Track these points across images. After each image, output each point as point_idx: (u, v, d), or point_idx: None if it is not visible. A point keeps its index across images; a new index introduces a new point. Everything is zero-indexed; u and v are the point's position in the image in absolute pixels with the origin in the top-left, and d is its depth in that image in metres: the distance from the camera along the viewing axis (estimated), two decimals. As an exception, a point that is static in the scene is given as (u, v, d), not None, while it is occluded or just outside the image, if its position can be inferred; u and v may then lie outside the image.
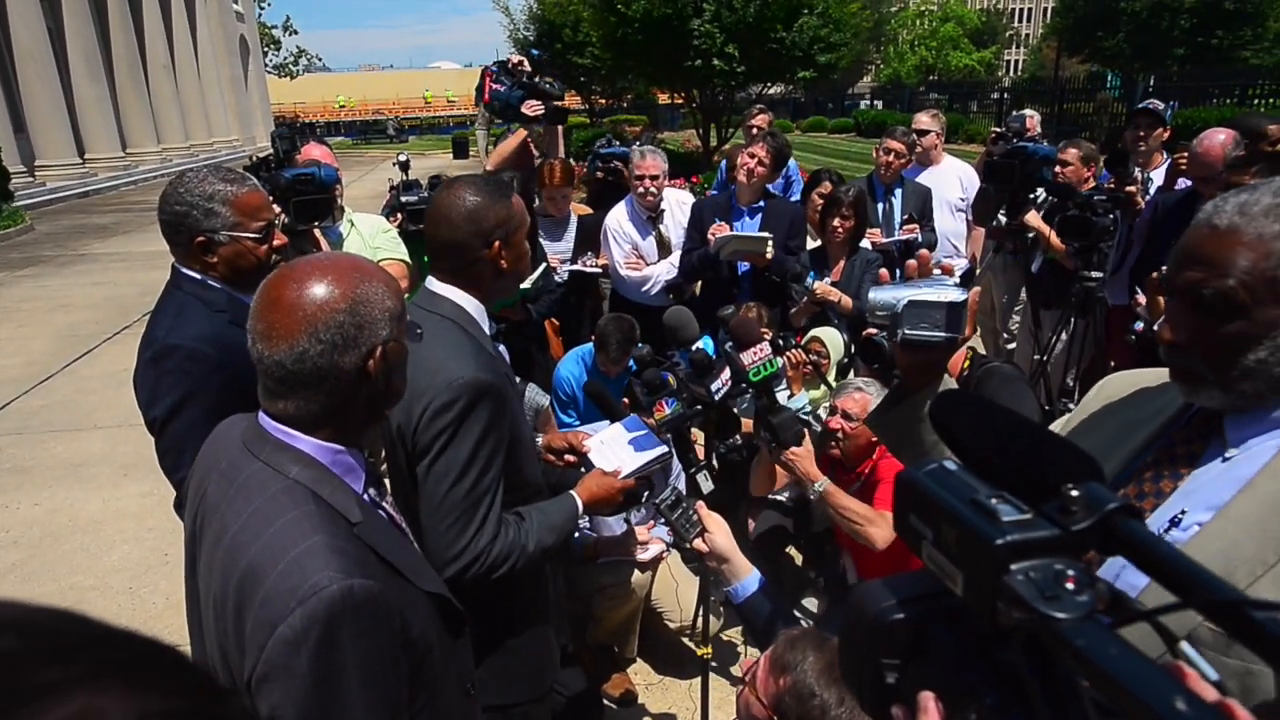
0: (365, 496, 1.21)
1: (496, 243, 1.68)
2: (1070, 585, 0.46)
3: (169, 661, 0.39)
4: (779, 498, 3.40)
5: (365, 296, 1.14)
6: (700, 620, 2.32)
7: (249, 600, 1.03)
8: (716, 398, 1.81)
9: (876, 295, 1.24)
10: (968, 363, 2.63)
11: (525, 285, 3.30)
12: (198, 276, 1.94)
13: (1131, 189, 3.70)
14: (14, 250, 12.85)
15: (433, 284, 1.74)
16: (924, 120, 4.93)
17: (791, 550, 3.55)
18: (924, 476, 0.55)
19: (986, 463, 0.56)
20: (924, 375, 1.28)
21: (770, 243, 3.68)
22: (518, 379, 3.26)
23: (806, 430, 2.18)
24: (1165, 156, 4.40)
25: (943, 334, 1.20)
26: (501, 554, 1.61)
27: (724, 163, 6.07)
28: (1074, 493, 0.49)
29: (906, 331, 1.21)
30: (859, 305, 3.40)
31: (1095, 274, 3.44)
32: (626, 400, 2.06)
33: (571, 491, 1.82)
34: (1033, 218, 3.83)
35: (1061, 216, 3.40)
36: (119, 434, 5.39)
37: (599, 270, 4.18)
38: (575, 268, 4.16)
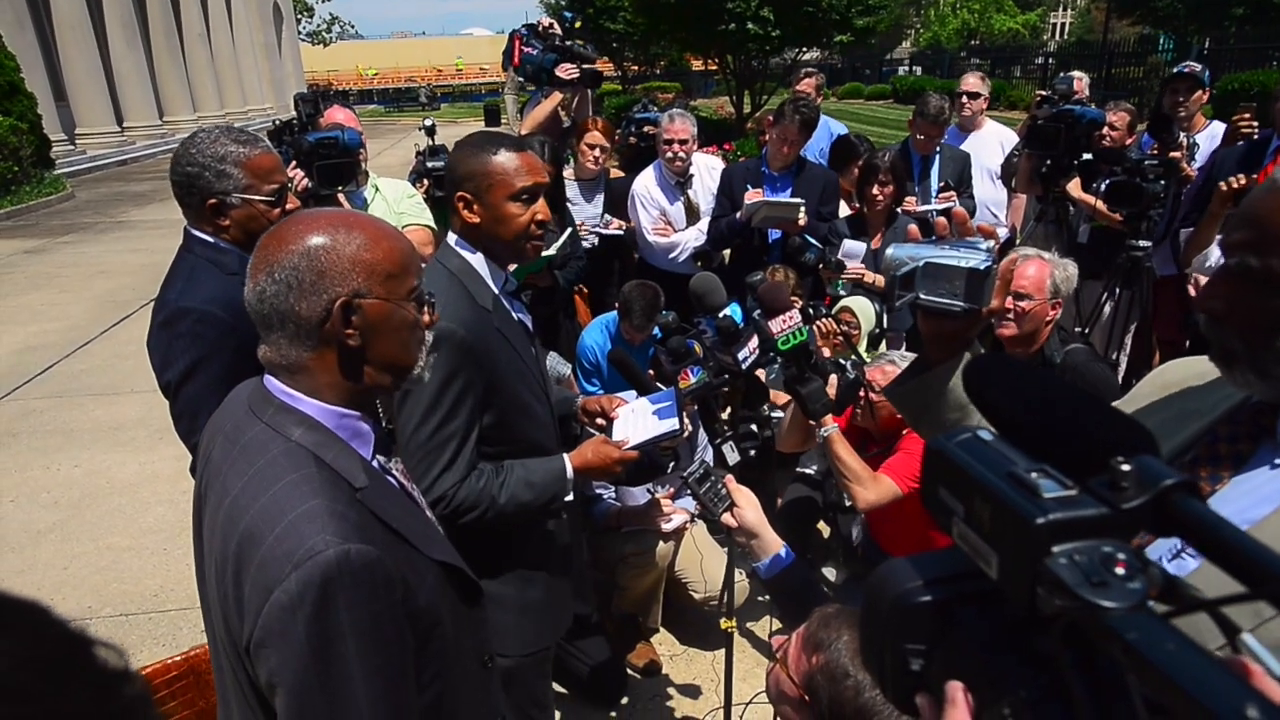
0: (374, 463, 1.17)
1: (463, 194, 1.71)
2: (1120, 570, 0.40)
3: (28, 614, 0.41)
4: (808, 470, 3.34)
5: (332, 245, 1.08)
6: (725, 593, 2.28)
7: (247, 564, 1.01)
8: (744, 366, 1.75)
9: (895, 251, 1.17)
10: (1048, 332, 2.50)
11: (550, 251, 3.25)
12: (210, 239, 1.92)
13: (1177, 154, 3.53)
14: (55, 217, 13.10)
15: (450, 238, 1.77)
16: (973, 83, 4.74)
17: (821, 526, 3.50)
18: (955, 447, 0.49)
19: (1026, 432, 0.50)
20: (945, 347, 1.19)
21: (802, 209, 3.58)
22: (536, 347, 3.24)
23: (835, 375, 2.11)
24: (1207, 121, 4.21)
25: (960, 303, 1.11)
26: (468, 499, 1.64)
27: None
28: (1125, 467, 0.43)
29: (922, 296, 1.13)
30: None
31: (1143, 243, 3.30)
32: (652, 371, 2.01)
33: (564, 454, 1.80)
34: (1074, 187, 3.67)
35: (1110, 183, 3.25)
36: (155, 398, 5.40)
37: (619, 232, 4.11)
38: (594, 229, 4.10)
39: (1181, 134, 3.63)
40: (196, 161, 1.86)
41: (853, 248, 3.65)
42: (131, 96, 21.73)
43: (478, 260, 1.74)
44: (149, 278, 8.55)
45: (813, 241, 3.60)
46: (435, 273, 1.69)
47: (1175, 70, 4.25)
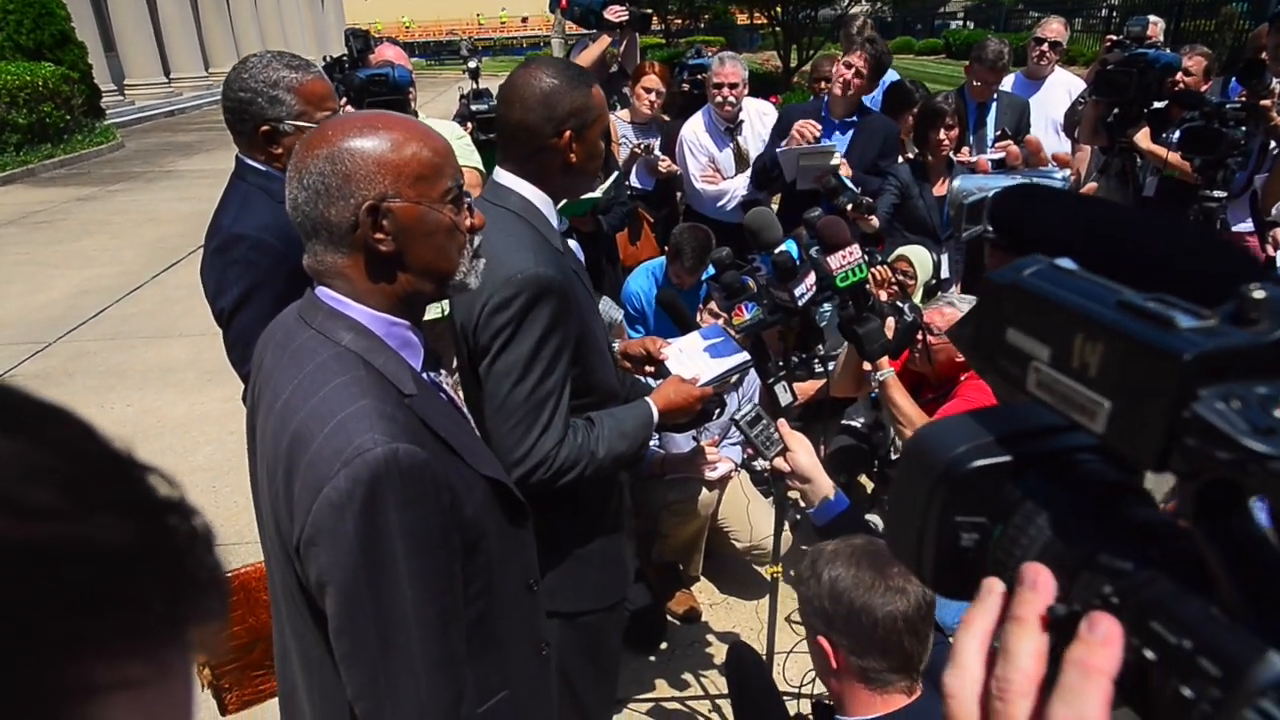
0: (425, 376, 1.15)
1: (568, 132, 1.56)
2: None
3: (62, 424, 0.32)
4: (854, 423, 3.28)
5: (356, 148, 1.05)
6: (775, 539, 2.26)
7: (297, 463, 1.00)
8: (800, 303, 1.69)
9: (962, 183, 1.11)
10: None
11: (596, 195, 3.19)
12: (262, 167, 1.90)
13: (1267, 102, 3.32)
14: (106, 166, 13.34)
15: (500, 175, 1.64)
16: (1056, 29, 4.48)
17: (864, 481, 3.45)
18: (1034, 278, 0.41)
19: (1120, 261, 0.42)
20: None
21: (838, 154, 3.44)
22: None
23: (892, 318, 2.05)
24: None
25: None
26: (569, 459, 1.55)
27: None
28: (1258, 294, 0.35)
29: (991, 230, 1.07)
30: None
31: (1218, 193, 3.13)
32: (702, 306, 1.97)
33: (647, 398, 1.73)
34: (1143, 138, 3.49)
35: (1187, 127, 3.08)
36: (203, 341, 5.58)
37: (670, 172, 4.04)
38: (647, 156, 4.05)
39: (1275, 81, 3.41)
40: (249, 87, 1.83)
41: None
42: (178, 47, 21.92)
43: (541, 199, 1.62)
44: (196, 225, 8.61)
45: (849, 184, 3.48)
46: (497, 215, 1.56)
47: None
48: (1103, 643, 0.36)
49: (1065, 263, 0.42)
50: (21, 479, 0.28)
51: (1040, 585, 0.40)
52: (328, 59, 3.18)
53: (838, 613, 1.31)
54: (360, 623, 0.99)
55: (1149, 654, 0.35)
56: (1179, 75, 3.64)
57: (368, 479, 0.96)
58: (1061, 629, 0.39)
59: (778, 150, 3.60)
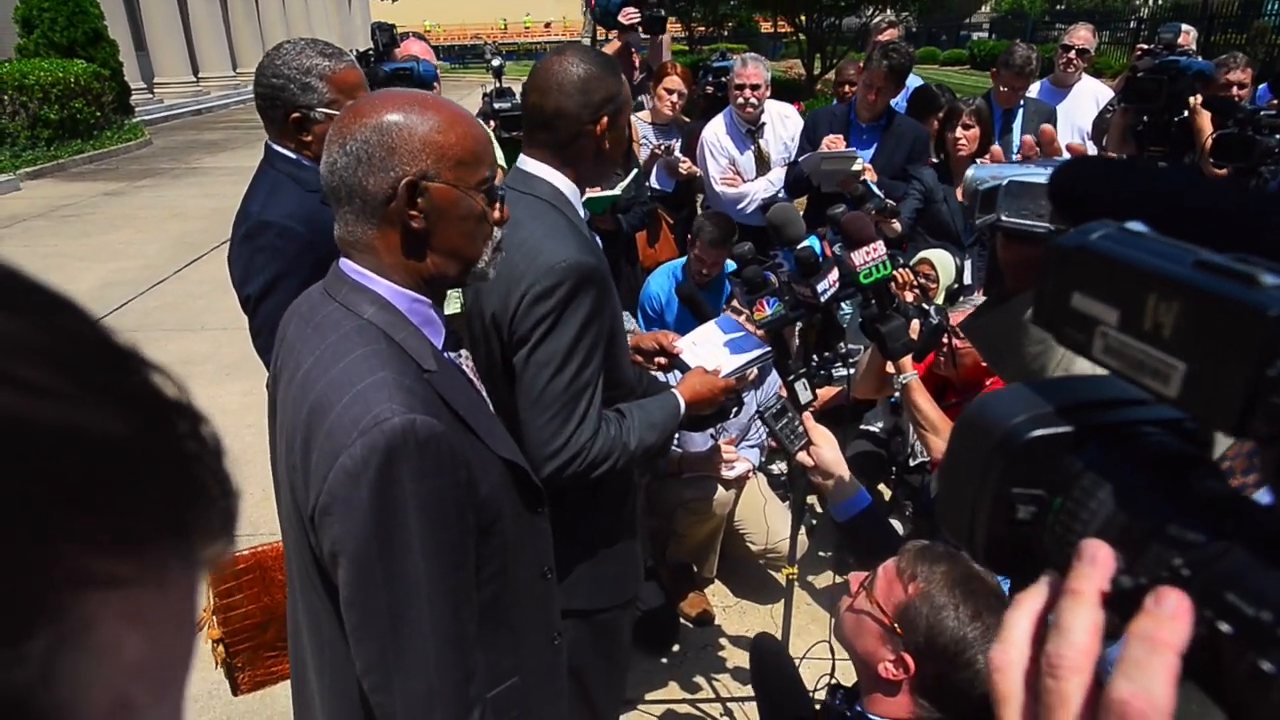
0: (446, 355, 1.16)
1: (605, 118, 1.57)
2: None
3: (61, 308, 0.30)
4: (872, 428, 3.25)
5: (405, 123, 1.06)
6: (791, 540, 2.23)
7: (315, 432, 1.01)
8: (823, 299, 1.67)
9: (976, 171, 1.09)
10: None
11: (616, 192, 3.19)
12: (292, 155, 1.91)
13: (1303, 109, 3.26)
14: (134, 162, 13.52)
15: (526, 163, 1.63)
16: (1084, 36, 4.44)
17: (881, 488, 3.41)
18: (1103, 240, 0.39)
19: (1175, 228, 0.40)
20: (1027, 274, 1.08)
21: (859, 160, 3.44)
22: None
23: (918, 321, 2.02)
24: None
25: (1046, 224, 1.02)
26: (603, 451, 1.53)
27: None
28: None
29: (1005, 218, 1.04)
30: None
31: (1250, 202, 3.07)
32: (726, 306, 1.96)
33: (673, 389, 1.72)
34: (1200, 111, 3.35)
35: (1219, 134, 3.03)
36: (223, 336, 5.63)
37: (690, 173, 4.03)
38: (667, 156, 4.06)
39: None
40: (282, 74, 1.84)
41: None
42: (207, 47, 22.22)
43: (570, 188, 1.62)
44: (220, 222, 8.77)
45: (875, 190, 3.46)
46: (528, 204, 1.56)
47: None
48: (1171, 616, 0.34)
49: (1135, 225, 0.40)
50: (10, 353, 0.26)
51: (1100, 560, 0.38)
52: (354, 52, 3.20)
53: (945, 656, 1.18)
54: (371, 593, 0.99)
55: (1224, 626, 0.33)
56: (1234, 90, 3.58)
57: (384, 448, 0.96)
58: (1126, 603, 0.37)
59: (801, 159, 3.60)
